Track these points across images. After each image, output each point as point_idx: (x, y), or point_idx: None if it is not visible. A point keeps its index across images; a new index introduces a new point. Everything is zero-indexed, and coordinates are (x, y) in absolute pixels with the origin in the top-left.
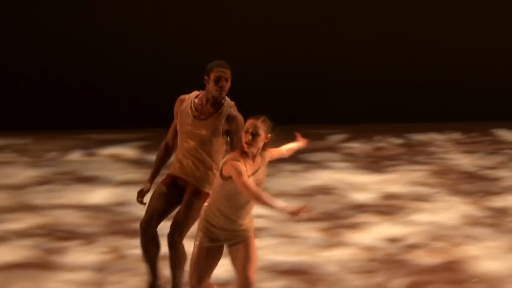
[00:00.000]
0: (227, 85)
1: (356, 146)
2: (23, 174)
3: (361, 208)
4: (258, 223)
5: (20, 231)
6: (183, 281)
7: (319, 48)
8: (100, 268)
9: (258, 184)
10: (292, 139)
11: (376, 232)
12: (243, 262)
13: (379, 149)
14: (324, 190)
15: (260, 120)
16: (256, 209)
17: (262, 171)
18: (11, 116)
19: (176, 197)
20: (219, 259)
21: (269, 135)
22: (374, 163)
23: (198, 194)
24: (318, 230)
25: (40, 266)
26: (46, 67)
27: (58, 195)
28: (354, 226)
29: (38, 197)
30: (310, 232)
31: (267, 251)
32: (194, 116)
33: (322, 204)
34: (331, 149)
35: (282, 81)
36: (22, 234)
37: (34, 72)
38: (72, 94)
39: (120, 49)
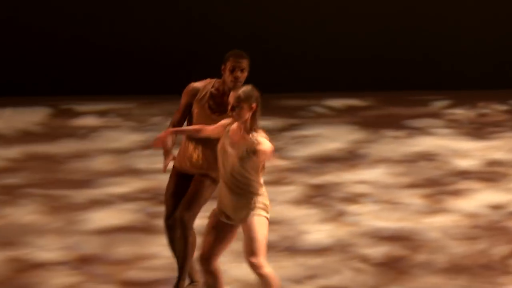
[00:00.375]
0: (243, 76)
1: (460, 113)
2: (127, 138)
3: (464, 174)
4: (360, 189)
5: (124, 195)
6: (188, 269)
7: (425, 15)
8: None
9: (222, 150)
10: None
11: (479, 199)
12: (246, 243)
13: (483, 115)
14: (427, 157)
15: (241, 90)
16: (359, 175)
17: (237, 146)
18: (116, 81)
19: (187, 185)
20: (229, 240)
21: (254, 104)
22: (478, 129)
23: (208, 176)
24: (420, 197)
25: (143, 230)
26: (153, 34)
27: (162, 160)
28: (456, 193)
29: (142, 162)
30: (412, 198)
31: (369, 217)
32: (212, 109)
33: (425, 170)
34: (434, 115)
35: (391, 48)
36: (126, 198)
37: (141, 40)
38: (174, 60)
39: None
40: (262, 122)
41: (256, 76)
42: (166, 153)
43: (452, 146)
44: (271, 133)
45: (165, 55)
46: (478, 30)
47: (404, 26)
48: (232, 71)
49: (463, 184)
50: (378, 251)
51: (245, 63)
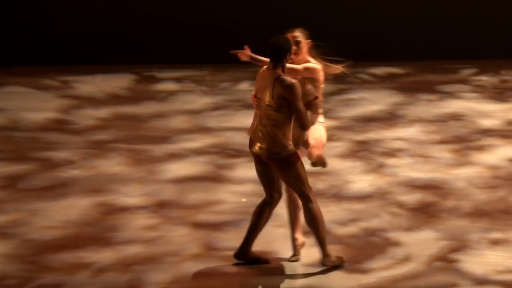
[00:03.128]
0: (298, 48)
1: (485, 79)
2: (200, 101)
3: (487, 132)
4: (398, 145)
5: (197, 149)
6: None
7: None
8: None
9: None
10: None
11: (500, 153)
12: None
13: (504, 81)
14: (455, 117)
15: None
16: (397, 133)
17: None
18: (190, 51)
19: None
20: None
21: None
22: (500, 94)
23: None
24: (449, 151)
25: (212, 179)
26: (218, 10)
27: (229, 119)
28: (480, 148)
29: (212, 121)
30: (442, 153)
31: (405, 168)
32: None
33: (454, 128)
34: (462, 81)
35: (425, 20)
36: (198, 152)
37: (210, 11)
38: (243, 31)
39: None
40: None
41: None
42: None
43: (477, 108)
44: (323, 96)
45: (229, 28)
46: (501, 5)
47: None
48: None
49: (486, 141)
50: (412, 198)
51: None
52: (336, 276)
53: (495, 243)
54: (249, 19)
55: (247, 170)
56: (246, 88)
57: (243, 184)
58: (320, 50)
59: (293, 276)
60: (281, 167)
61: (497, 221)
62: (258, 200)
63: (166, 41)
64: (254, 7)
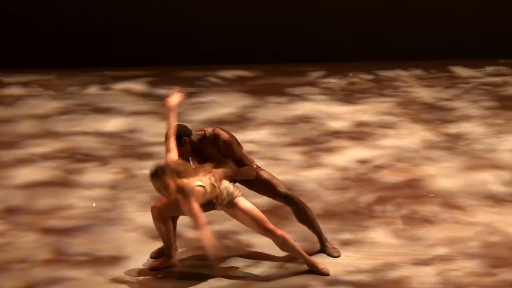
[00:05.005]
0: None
1: (333, 82)
2: (48, 105)
3: (336, 134)
4: (248, 147)
5: (45, 154)
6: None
7: None
8: (113, 186)
9: None
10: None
11: (349, 155)
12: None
13: (352, 84)
14: (305, 119)
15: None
16: (247, 135)
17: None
18: (37, 54)
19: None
20: None
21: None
22: (348, 96)
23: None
24: (299, 153)
25: (61, 184)
26: (69, 10)
27: (78, 124)
28: (330, 150)
29: (60, 125)
30: (292, 155)
31: None
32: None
33: (303, 131)
34: (311, 84)
35: (270, 22)
36: (47, 157)
37: (56, 15)
38: (90, 36)
39: None
40: (164, 91)
41: (158, 49)
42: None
43: (326, 110)
44: None
45: (79, 30)
46: (348, 11)
47: (285, 5)
48: None
49: (335, 143)
50: (263, 200)
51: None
52: (187, 279)
53: (345, 244)
54: (94, 21)
55: (97, 175)
56: (94, 92)
57: (93, 188)
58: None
59: (147, 279)
60: None
61: (347, 222)
62: (108, 205)
63: (12, 45)
64: (95, 9)
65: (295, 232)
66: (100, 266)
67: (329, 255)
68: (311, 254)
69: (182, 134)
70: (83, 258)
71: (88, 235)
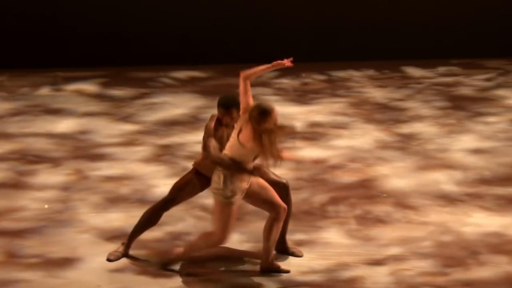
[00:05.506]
0: (232, 121)
1: (286, 82)
2: None
3: (290, 134)
4: (200, 148)
5: None
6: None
7: None
8: (65, 188)
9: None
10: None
11: (303, 155)
12: None
13: (305, 84)
14: None
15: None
16: (200, 136)
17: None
18: None
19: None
20: None
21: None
22: (301, 96)
23: None
24: None
25: (13, 186)
26: (21, 11)
27: (29, 125)
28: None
29: (12, 127)
30: None
31: None
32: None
33: None
34: (264, 84)
35: (223, 22)
36: None
37: (10, 15)
38: (41, 36)
39: None
40: (116, 92)
41: (111, 50)
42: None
43: (280, 110)
44: (125, 101)
45: (31, 32)
46: (301, 11)
47: (238, 5)
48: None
49: (290, 143)
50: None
51: (234, 113)
52: (141, 281)
53: (298, 244)
54: (45, 22)
55: (49, 176)
56: (46, 93)
57: (45, 190)
58: None
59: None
60: None
61: (301, 222)
62: (61, 207)
63: None
64: (46, 10)
65: (248, 233)
66: (52, 268)
67: (293, 255)
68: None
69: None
70: (35, 260)
71: (40, 237)
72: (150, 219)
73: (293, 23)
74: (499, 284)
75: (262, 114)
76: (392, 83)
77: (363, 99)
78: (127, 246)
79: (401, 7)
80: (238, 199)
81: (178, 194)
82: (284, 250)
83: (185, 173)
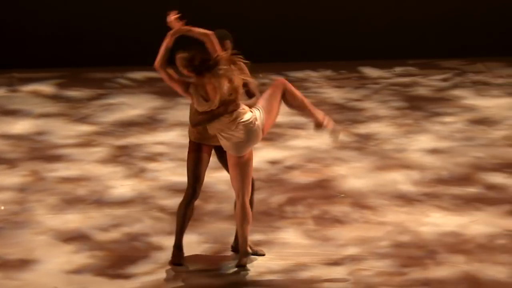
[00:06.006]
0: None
1: None
2: None
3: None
4: (158, 149)
5: None
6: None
7: None
8: (22, 189)
9: None
10: None
11: (260, 156)
12: None
13: (263, 85)
14: None
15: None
16: (157, 137)
17: None
18: None
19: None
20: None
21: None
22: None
23: None
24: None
25: None
26: None
27: None
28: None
29: None
30: None
31: (166, 172)
32: None
33: None
34: None
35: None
36: None
37: None
38: None
39: None
40: (73, 93)
41: (67, 51)
42: None
43: None
44: (81, 102)
45: None
46: (259, 11)
47: (192, 5)
48: None
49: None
50: (174, 202)
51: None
52: (98, 282)
53: (256, 244)
54: (0, 22)
55: (5, 178)
56: (1, 94)
57: (1, 191)
58: None
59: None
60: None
61: (258, 223)
62: (17, 208)
63: None
64: (1, 9)
65: (206, 234)
66: (9, 270)
67: (256, 254)
68: (222, 254)
69: None
70: None
71: None
72: (186, 213)
73: (250, 24)
74: (456, 283)
75: (195, 58)
76: (349, 84)
77: (320, 100)
78: (179, 248)
79: (358, 8)
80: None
81: (196, 175)
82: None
83: (142, 174)
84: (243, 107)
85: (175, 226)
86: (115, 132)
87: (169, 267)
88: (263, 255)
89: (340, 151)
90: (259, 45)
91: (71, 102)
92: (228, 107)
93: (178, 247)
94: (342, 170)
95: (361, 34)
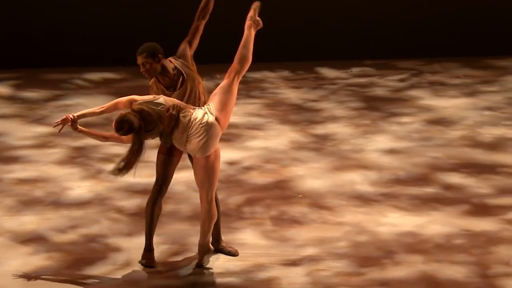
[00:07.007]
0: (145, 70)
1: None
2: None
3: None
4: (116, 150)
5: None
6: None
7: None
8: None
9: None
10: None
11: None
12: None
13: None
14: None
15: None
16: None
17: None
18: None
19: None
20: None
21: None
22: None
23: None
24: None
25: None
26: None
27: None
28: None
29: None
30: None
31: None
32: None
33: None
34: None
35: (136, 23)
36: None
37: None
38: None
39: None
40: (29, 94)
41: (23, 51)
42: None
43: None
44: (38, 103)
45: None
46: (214, 11)
47: (152, 6)
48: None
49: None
50: (131, 203)
51: (139, 60)
52: (56, 284)
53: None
54: None
55: None
56: None
57: None
58: None
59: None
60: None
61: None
62: None
63: None
64: None
65: (164, 235)
66: None
67: (229, 254)
68: (180, 255)
69: None
70: None
71: None
72: (153, 211)
73: (207, 24)
74: (414, 283)
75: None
76: (306, 84)
77: (277, 100)
78: (149, 250)
79: (315, 8)
80: None
81: (164, 176)
82: (219, 250)
83: (99, 175)
84: (189, 110)
85: (144, 226)
86: (72, 133)
87: (127, 268)
88: (237, 255)
89: (297, 152)
90: (217, 45)
91: (28, 103)
92: (170, 123)
93: (148, 249)
94: (300, 171)
95: (318, 35)
